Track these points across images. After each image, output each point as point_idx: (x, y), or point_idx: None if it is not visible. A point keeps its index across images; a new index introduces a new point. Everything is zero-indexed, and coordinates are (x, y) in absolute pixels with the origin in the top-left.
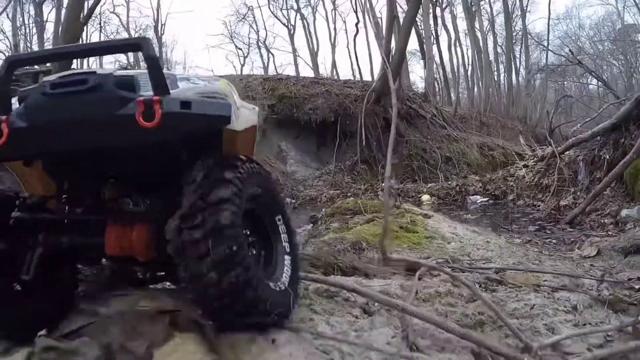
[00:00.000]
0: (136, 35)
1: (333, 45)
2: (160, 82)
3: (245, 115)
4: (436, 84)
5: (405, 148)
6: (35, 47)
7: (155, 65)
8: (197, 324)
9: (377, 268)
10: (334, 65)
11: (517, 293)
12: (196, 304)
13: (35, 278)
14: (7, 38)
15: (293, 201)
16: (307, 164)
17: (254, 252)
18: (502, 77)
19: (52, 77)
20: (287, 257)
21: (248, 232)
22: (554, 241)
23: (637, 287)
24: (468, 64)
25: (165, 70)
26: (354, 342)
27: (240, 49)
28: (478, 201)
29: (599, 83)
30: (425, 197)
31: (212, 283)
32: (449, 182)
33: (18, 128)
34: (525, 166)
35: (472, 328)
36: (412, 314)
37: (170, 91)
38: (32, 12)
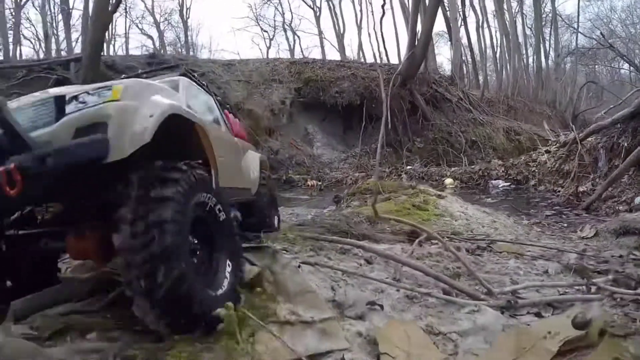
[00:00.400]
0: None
1: (359, 27)
2: (16, 142)
3: (142, 124)
4: (463, 67)
5: (431, 132)
6: (62, 35)
7: (7, 126)
8: None
9: (384, 236)
10: (360, 47)
11: (499, 258)
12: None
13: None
14: (33, 26)
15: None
16: (334, 146)
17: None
18: (530, 60)
19: None
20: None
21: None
22: (565, 225)
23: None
24: (496, 46)
25: (55, 90)
26: (355, 272)
27: (266, 32)
28: (500, 186)
29: (631, 67)
30: (448, 181)
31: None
32: (473, 167)
33: None
34: (548, 152)
35: (450, 277)
36: (400, 261)
37: (54, 125)
38: (58, 0)
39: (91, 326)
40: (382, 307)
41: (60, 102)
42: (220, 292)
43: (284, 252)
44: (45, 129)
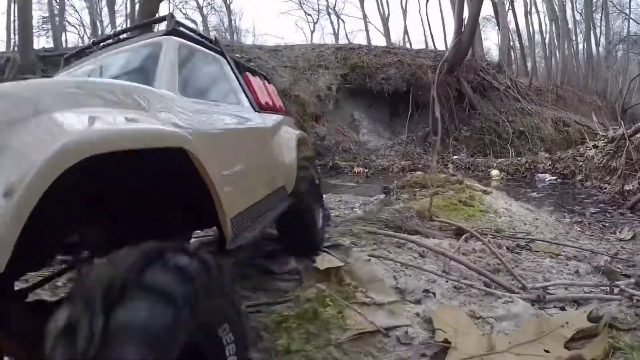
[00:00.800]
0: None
1: (404, 11)
2: None
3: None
4: (511, 53)
5: (478, 121)
6: (106, 20)
7: None
8: None
9: (433, 232)
10: (405, 32)
11: (535, 257)
12: None
13: None
14: (77, 12)
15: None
16: (380, 133)
17: None
18: (580, 47)
19: None
20: None
21: None
22: (606, 224)
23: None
24: (545, 32)
25: None
26: (412, 265)
27: (310, 15)
28: (546, 179)
29: None
30: (494, 172)
31: None
32: (519, 159)
33: None
34: (595, 146)
35: (491, 272)
36: (449, 256)
37: None
38: None
39: None
40: (434, 294)
41: None
42: None
43: (353, 245)
44: None
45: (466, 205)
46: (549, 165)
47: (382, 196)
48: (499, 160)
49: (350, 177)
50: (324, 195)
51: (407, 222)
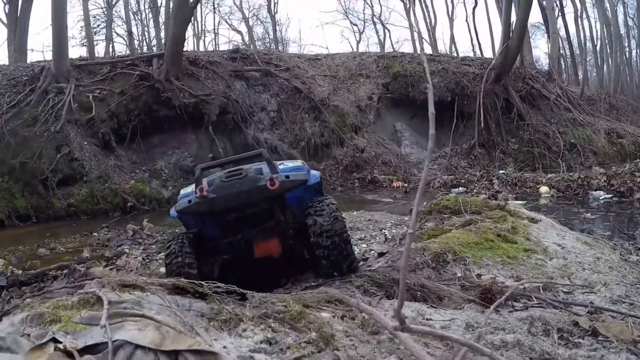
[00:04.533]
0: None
1: (451, 19)
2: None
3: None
4: (561, 61)
5: (526, 132)
6: (152, 31)
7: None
8: None
9: (451, 290)
10: (452, 40)
11: (604, 354)
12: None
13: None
14: (125, 23)
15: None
16: (422, 145)
17: None
18: (634, 54)
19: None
20: None
21: None
22: None
23: None
24: (596, 39)
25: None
26: None
27: (355, 25)
28: (601, 197)
29: None
30: (543, 189)
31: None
32: (571, 174)
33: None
34: None
35: None
36: None
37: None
38: None
39: None
40: None
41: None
42: None
43: (270, 343)
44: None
45: (506, 242)
46: (604, 181)
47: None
48: (549, 175)
49: (388, 192)
50: (355, 213)
51: (409, 275)
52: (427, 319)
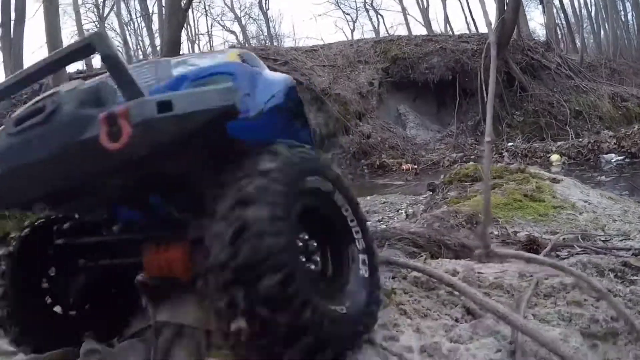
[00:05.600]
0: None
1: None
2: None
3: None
4: (558, 30)
5: (531, 103)
6: (147, 41)
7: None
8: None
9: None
10: (446, 20)
11: None
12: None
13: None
14: (119, 35)
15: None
16: (428, 126)
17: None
18: (630, 17)
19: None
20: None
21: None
22: None
23: None
24: (591, 5)
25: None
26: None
27: (348, 14)
28: (613, 160)
29: None
30: (554, 157)
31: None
32: (580, 140)
33: None
34: None
35: (602, 340)
36: (519, 328)
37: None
38: (138, 7)
39: None
40: None
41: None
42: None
43: None
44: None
45: (534, 201)
46: (614, 144)
47: (428, 195)
48: (558, 143)
49: (398, 175)
50: (368, 197)
51: (448, 235)
52: (479, 273)
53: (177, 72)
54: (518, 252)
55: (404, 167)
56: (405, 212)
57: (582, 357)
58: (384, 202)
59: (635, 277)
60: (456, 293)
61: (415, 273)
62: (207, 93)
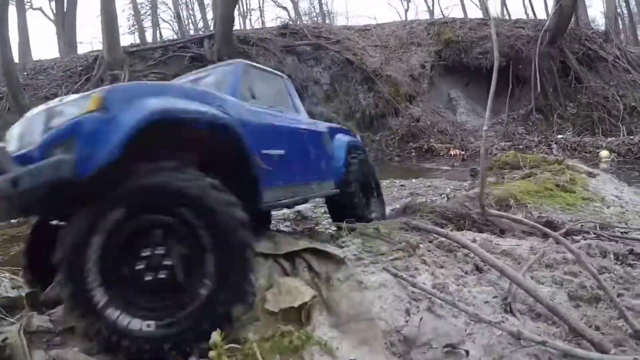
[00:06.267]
0: None
1: None
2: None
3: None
4: (619, 20)
5: (585, 96)
6: (198, 14)
7: None
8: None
9: (513, 226)
10: (503, 3)
11: None
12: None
13: None
14: (170, 9)
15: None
16: (478, 113)
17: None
18: None
19: None
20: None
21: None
22: None
23: None
24: None
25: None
26: (443, 298)
27: None
28: None
29: None
30: (604, 153)
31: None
32: (632, 137)
33: None
34: None
35: (586, 302)
36: (511, 277)
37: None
38: None
39: None
40: (467, 352)
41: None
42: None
43: (366, 252)
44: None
45: (565, 191)
46: None
47: (469, 181)
48: (609, 139)
49: (445, 160)
50: (414, 180)
51: (476, 211)
52: (495, 244)
53: (45, 135)
54: (507, 214)
55: (451, 152)
56: (447, 196)
57: (563, 310)
58: (429, 186)
59: (635, 262)
60: (470, 256)
61: (440, 238)
62: (44, 168)
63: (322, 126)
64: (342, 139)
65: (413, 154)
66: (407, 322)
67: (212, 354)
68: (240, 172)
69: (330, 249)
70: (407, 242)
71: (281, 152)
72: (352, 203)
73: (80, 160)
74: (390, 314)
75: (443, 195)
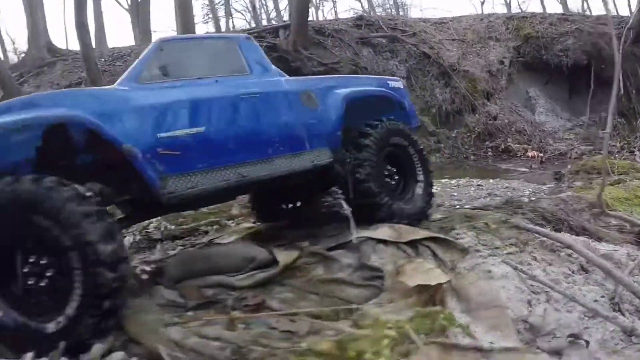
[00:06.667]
0: None
1: None
2: None
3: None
4: None
5: None
6: (270, 4)
7: None
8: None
9: (609, 233)
10: None
11: None
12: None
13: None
14: None
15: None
16: (558, 113)
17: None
18: None
19: None
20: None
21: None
22: None
23: None
24: None
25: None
26: (563, 292)
27: None
28: None
29: None
30: None
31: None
32: None
33: None
34: None
35: None
36: (617, 278)
37: None
38: None
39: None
40: (587, 343)
41: None
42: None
43: (482, 244)
44: None
45: None
46: None
47: (553, 183)
48: None
49: (523, 162)
50: (491, 180)
51: (572, 217)
52: (595, 248)
53: None
54: (628, 217)
55: (529, 153)
56: (528, 199)
57: None
58: (507, 187)
59: None
60: (574, 256)
61: (542, 238)
62: None
63: (296, 84)
64: (337, 93)
65: (489, 153)
66: (529, 312)
67: None
68: (111, 165)
69: (452, 238)
70: (517, 239)
71: (199, 129)
72: (358, 182)
73: None
74: (514, 303)
75: (523, 198)
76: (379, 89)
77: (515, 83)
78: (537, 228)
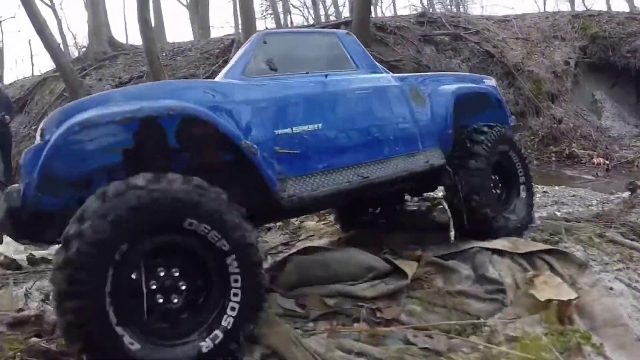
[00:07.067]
0: None
1: None
2: None
3: None
4: None
5: None
6: (329, 0)
7: None
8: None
9: None
10: None
11: None
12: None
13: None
14: None
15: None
16: (624, 118)
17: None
18: None
19: None
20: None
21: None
22: None
23: None
24: None
25: None
26: None
27: None
28: None
29: None
30: None
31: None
32: None
33: None
34: None
35: None
36: None
37: None
38: None
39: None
40: None
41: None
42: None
43: (591, 259)
44: None
45: None
46: None
47: (626, 194)
48: None
49: (588, 169)
50: (557, 187)
51: None
52: None
53: None
54: None
55: (594, 160)
56: (597, 209)
57: None
58: (573, 195)
59: None
60: None
61: (633, 251)
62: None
63: (404, 79)
64: (444, 89)
65: (553, 158)
66: None
67: None
68: (226, 163)
69: (570, 252)
70: (622, 254)
71: (317, 126)
72: (469, 191)
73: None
74: (632, 322)
75: (591, 207)
76: (483, 86)
77: (580, 85)
78: (629, 242)
